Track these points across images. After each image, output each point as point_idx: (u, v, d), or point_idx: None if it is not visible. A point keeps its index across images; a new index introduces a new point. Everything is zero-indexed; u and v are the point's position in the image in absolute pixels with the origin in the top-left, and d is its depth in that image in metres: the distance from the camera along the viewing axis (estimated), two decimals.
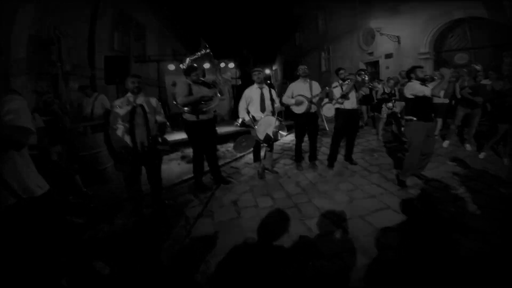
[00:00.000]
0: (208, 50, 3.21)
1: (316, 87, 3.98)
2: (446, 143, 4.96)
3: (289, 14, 18.91)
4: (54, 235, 1.64)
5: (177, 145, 5.38)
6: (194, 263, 2.20)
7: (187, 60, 3.38)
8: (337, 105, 4.04)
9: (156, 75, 9.26)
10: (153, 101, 2.91)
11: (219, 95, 3.47)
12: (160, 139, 2.84)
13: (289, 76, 11.82)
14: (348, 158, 4.35)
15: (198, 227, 2.74)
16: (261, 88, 3.71)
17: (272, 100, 3.73)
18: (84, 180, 3.60)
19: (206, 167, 3.75)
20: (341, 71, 4.18)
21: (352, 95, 3.94)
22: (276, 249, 2.35)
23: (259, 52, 20.32)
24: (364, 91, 4.02)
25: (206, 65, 6.94)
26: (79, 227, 2.74)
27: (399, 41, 9.96)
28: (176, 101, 3.32)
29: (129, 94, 2.77)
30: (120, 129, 2.61)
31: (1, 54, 4.96)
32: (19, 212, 1.34)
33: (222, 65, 8.88)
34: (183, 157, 5.04)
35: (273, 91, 3.83)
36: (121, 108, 2.66)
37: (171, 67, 8.25)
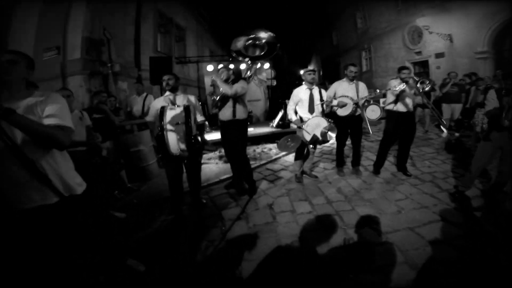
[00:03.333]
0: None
1: (363, 89, 3.70)
2: None
3: (322, 12, 18.43)
4: (94, 231, 1.68)
5: (216, 145, 5.44)
6: (227, 267, 2.15)
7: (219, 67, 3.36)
8: (389, 107, 3.68)
9: (196, 76, 9.54)
10: (192, 99, 2.88)
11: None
12: (200, 139, 2.84)
13: (327, 76, 11.45)
14: (401, 167, 3.90)
15: (233, 229, 2.69)
16: (310, 89, 3.57)
17: (322, 101, 3.58)
18: (129, 176, 3.78)
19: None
20: (405, 71, 3.54)
21: (407, 96, 3.51)
22: (314, 258, 2.21)
23: (294, 52, 20.08)
24: (417, 100, 3.45)
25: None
26: (121, 222, 2.86)
27: (451, 39, 9.20)
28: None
29: (167, 93, 2.77)
30: (172, 132, 2.60)
31: (58, 53, 5.47)
32: (62, 211, 1.36)
33: (258, 65, 8.87)
34: (221, 157, 5.09)
35: (323, 92, 3.67)
36: (171, 109, 2.63)
37: (210, 67, 8.43)
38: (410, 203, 3.04)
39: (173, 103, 2.69)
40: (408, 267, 2.02)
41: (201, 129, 2.97)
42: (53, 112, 1.31)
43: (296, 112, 3.61)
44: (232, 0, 15.19)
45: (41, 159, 1.29)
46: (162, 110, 2.61)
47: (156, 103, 2.76)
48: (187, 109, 2.63)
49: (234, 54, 3.08)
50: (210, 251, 2.36)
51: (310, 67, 4.43)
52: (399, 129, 3.67)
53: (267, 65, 9.16)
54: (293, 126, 3.52)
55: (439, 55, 9.76)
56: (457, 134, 5.79)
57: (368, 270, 2.03)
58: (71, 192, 1.42)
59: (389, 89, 3.56)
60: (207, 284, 2.01)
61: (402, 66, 3.76)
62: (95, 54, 5.89)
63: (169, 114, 2.61)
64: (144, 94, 5.16)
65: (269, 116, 8.09)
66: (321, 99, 3.55)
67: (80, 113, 2.89)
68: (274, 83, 9.53)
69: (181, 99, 2.77)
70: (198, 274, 2.10)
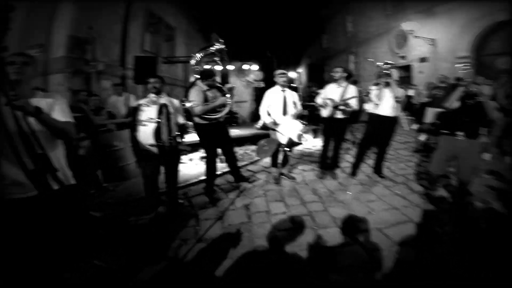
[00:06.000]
0: (221, 46, 2.98)
1: (352, 92, 3.66)
2: (487, 156, 4.48)
3: (315, 15, 18.59)
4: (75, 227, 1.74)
5: (197, 146, 5.45)
6: (199, 265, 2.19)
7: (197, 56, 3.17)
8: (369, 110, 3.70)
9: (184, 76, 9.52)
10: (176, 102, 2.97)
11: (229, 101, 3.37)
12: (180, 140, 2.89)
13: (314, 79, 11.57)
14: (377, 170, 3.95)
15: (208, 229, 2.72)
16: (283, 91, 3.62)
17: (294, 103, 3.64)
18: (106, 175, 3.76)
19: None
20: (384, 65, 3.58)
21: (387, 99, 3.47)
22: (284, 258, 2.26)
23: (283, 54, 20.17)
24: (397, 93, 3.43)
25: (231, 67, 6.94)
26: (95, 221, 2.85)
27: (434, 44, 9.40)
28: (191, 109, 3.22)
29: (152, 95, 2.83)
30: (145, 127, 2.69)
31: (43, 51, 5.39)
32: (62, 197, 1.52)
33: (246, 67, 8.92)
34: (202, 158, 5.10)
35: (295, 95, 3.73)
36: (148, 107, 2.74)
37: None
38: (381, 204, 3.13)
39: (154, 103, 2.76)
40: (374, 267, 2.09)
41: (182, 130, 3.01)
42: (62, 110, 1.59)
43: (269, 114, 3.64)
44: (225, 2, 15.21)
45: (50, 151, 1.50)
46: (138, 106, 2.74)
47: (137, 103, 2.85)
48: (163, 106, 2.72)
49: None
50: (183, 250, 2.38)
51: (299, 70, 4.50)
52: (377, 132, 3.70)
53: (255, 67, 9.24)
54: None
55: (422, 60, 9.99)
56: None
57: (335, 269, 2.09)
58: (68, 182, 1.62)
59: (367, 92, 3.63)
60: (179, 281, 2.03)
61: (385, 62, 3.74)
62: (79, 53, 5.83)
63: (145, 110, 2.72)
64: (126, 95, 5.13)
65: (255, 118, 8.13)
66: (294, 102, 3.61)
67: None
68: (262, 85, 9.61)
69: (163, 101, 2.82)
70: (170, 272, 2.12)
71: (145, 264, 2.20)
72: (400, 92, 3.48)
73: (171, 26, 10.43)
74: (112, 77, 6.64)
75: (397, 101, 3.46)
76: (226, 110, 3.36)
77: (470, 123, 2.73)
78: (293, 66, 18.57)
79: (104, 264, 2.07)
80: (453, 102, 2.79)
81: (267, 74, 10.30)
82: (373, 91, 3.53)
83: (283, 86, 3.60)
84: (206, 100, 3.22)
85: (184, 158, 5.10)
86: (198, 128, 3.38)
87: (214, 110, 3.25)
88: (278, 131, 3.39)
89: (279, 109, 3.59)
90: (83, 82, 5.89)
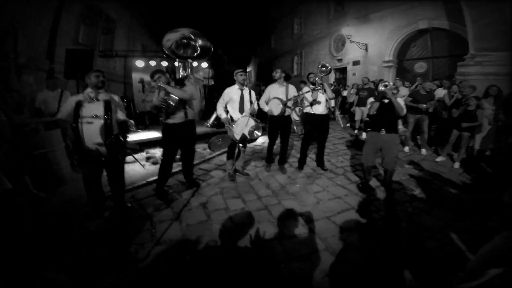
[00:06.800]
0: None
1: (293, 91, 3.99)
2: (406, 149, 5.32)
3: (266, 16, 19.07)
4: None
5: (142, 145, 5.16)
6: (160, 269, 2.13)
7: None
8: (306, 110, 4.09)
9: (123, 71, 8.82)
10: (116, 98, 2.78)
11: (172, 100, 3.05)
12: (121, 138, 2.71)
13: (262, 78, 11.91)
14: (320, 163, 4.38)
15: (165, 231, 2.63)
16: (241, 90, 3.70)
17: (251, 102, 3.76)
18: (37, 181, 3.31)
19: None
20: (311, 75, 4.16)
21: (323, 100, 3.94)
22: (248, 252, 2.35)
23: (234, 53, 20.26)
24: (329, 95, 3.90)
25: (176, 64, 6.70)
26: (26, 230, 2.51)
27: (366, 48, 10.46)
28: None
29: (89, 90, 2.59)
30: (90, 125, 2.49)
31: None
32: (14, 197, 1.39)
33: (195, 64, 8.69)
34: (148, 158, 4.84)
35: (253, 93, 3.84)
36: (90, 103, 2.51)
37: (140, 63, 7.92)
38: (326, 194, 3.46)
39: (94, 99, 2.55)
40: (329, 253, 2.32)
41: (123, 128, 2.83)
42: None
43: (227, 112, 3.72)
44: None
45: None
46: (79, 103, 2.49)
47: (73, 99, 2.56)
48: (107, 103, 2.57)
49: (167, 53, 2.97)
50: (141, 255, 2.28)
51: (248, 69, 4.61)
52: (315, 129, 4.12)
53: (204, 64, 9.05)
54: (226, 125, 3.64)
55: (355, 63, 11.11)
56: (364, 134, 6.66)
57: (297, 258, 2.26)
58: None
59: (301, 93, 3.97)
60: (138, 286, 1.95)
61: (309, 73, 4.30)
62: None
63: (87, 107, 2.51)
64: (59, 90, 4.54)
65: (204, 116, 7.98)
66: (251, 100, 3.74)
67: None
68: (212, 82, 9.50)
69: (103, 97, 2.62)
70: (128, 277, 2.02)
71: (102, 272, 2.05)
72: (330, 93, 3.95)
73: (111, 19, 9.53)
74: (37, 71, 5.80)
75: (328, 102, 3.99)
76: (171, 106, 3.05)
77: (388, 121, 3.28)
78: (243, 64, 18.80)
79: (55, 276, 1.85)
80: (374, 110, 3.29)
81: (216, 71, 10.23)
82: (308, 93, 3.92)
83: (242, 84, 3.69)
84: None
85: (128, 158, 4.78)
86: (164, 127, 3.24)
87: (158, 108, 3.04)
88: (232, 128, 3.47)
89: (236, 106, 3.68)
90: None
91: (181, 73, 2.97)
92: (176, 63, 2.94)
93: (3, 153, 3.02)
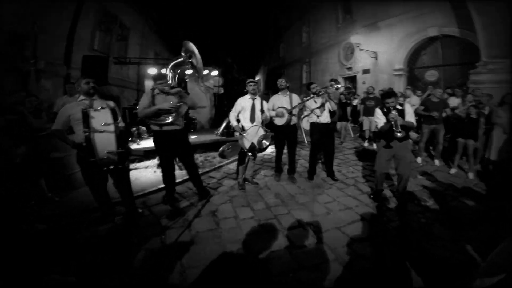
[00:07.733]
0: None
1: (296, 100, 4.04)
2: (419, 159, 5.21)
3: (275, 25, 19.31)
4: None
5: (153, 153, 5.21)
6: (170, 274, 2.13)
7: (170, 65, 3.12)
8: (312, 119, 4.11)
9: (136, 78, 9.03)
10: (111, 104, 2.69)
11: (182, 108, 3.12)
12: (128, 145, 2.77)
13: (271, 86, 11.99)
14: (330, 173, 4.34)
15: (174, 238, 2.65)
16: (253, 99, 3.76)
17: (262, 111, 3.80)
18: (52, 184, 3.39)
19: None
20: (313, 85, 4.13)
21: (326, 109, 4.00)
22: (257, 261, 2.33)
23: (243, 61, 20.52)
24: (332, 106, 3.93)
25: (189, 71, 6.82)
26: (40, 234, 2.56)
27: (376, 57, 10.39)
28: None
29: (81, 97, 2.52)
30: (102, 133, 2.46)
31: None
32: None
33: (205, 72, 8.82)
34: (159, 165, 4.89)
35: (264, 103, 3.89)
36: (95, 111, 2.48)
37: (153, 71, 8.09)
38: (337, 205, 3.42)
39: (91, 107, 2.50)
40: (338, 264, 2.29)
41: (124, 135, 2.82)
42: None
43: (238, 120, 3.78)
44: (186, 6, 14.87)
45: None
46: (86, 113, 2.44)
47: (68, 110, 2.49)
48: (113, 110, 2.60)
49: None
50: (151, 261, 2.30)
51: (257, 78, 4.67)
52: (322, 139, 4.11)
53: (215, 72, 9.18)
54: (237, 134, 3.68)
55: (365, 71, 11.03)
56: (374, 144, 6.51)
57: (306, 268, 2.23)
58: None
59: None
60: None
61: (310, 82, 4.28)
62: (16, 49, 5.13)
63: (95, 116, 2.47)
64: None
65: (214, 124, 8.00)
66: (262, 110, 3.78)
67: None
68: (222, 90, 9.61)
69: (98, 104, 2.55)
70: (137, 283, 2.03)
71: (112, 275, 2.07)
72: (333, 105, 3.96)
73: (125, 26, 9.82)
74: (55, 76, 6.00)
75: (332, 111, 4.05)
76: (174, 117, 3.03)
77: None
78: (252, 73, 18.99)
79: (63, 279, 1.87)
80: (385, 126, 3.26)
81: (226, 80, 10.36)
82: (314, 104, 3.99)
83: (253, 94, 3.75)
84: (153, 104, 2.99)
85: (139, 165, 4.84)
86: (153, 134, 3.22)
87: (158, 114, 3.00)
88: (243, 136, 3.50)
89: (247, 115, 3.73)
90: (17, 81, 5.19)
91: (172, 83, 2.95)
92: (167, 71, 2.94)
93: (20, 154, 3.12)
